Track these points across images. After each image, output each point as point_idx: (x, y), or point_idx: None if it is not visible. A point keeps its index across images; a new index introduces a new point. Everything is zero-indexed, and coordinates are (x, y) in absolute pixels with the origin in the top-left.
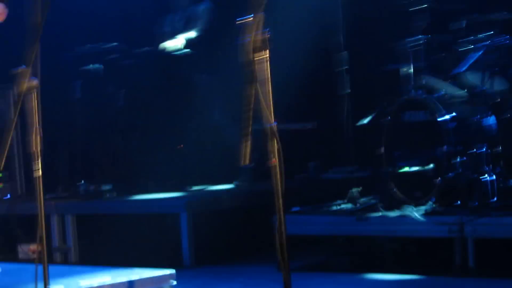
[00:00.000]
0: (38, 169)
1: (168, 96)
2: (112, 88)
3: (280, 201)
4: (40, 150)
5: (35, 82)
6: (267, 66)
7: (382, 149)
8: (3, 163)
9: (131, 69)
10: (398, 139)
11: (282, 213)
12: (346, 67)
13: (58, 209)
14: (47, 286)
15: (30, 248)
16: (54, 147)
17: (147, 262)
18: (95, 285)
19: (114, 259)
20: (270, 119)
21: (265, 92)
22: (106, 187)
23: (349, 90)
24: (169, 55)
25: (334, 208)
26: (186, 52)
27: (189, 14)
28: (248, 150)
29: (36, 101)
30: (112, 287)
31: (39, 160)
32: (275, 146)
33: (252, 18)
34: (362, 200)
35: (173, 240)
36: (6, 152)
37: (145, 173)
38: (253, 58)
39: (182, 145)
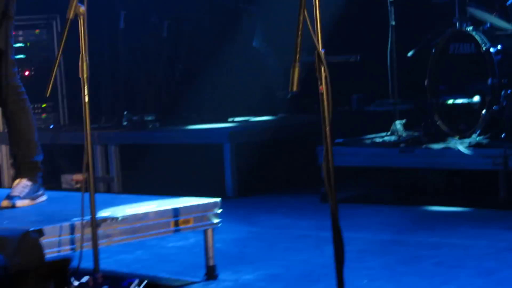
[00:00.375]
0: (86, 95)
1: (212, 27)
2: (156, 19)
3: (327, 128)
4: (87, 77)
5: (82, 8)
6: None
7: (427, 82)
8: (49, 90)
9: None
10: (443, 71)
11: (329, 140)
12: None
13: (102, 139)
14: (95, 213)
15: (74, 178)
16: (97, 77)
17: (190, 192)
18: (141, 212)
19: (156, 189)
20: (318, 46)
21: (314, 19)
22: (149, 117)
23: (394, 22)
24: None
25: (378, 140)
26: None
27: None
28: (297, 76)
29: (83, 27)
30: (158, 214)
31: (86, 86)
32: (322, 73)
33: None
34: (406, 132)
35: (216, 171)
36: (52, 80)
37: (188, 103)
38: None
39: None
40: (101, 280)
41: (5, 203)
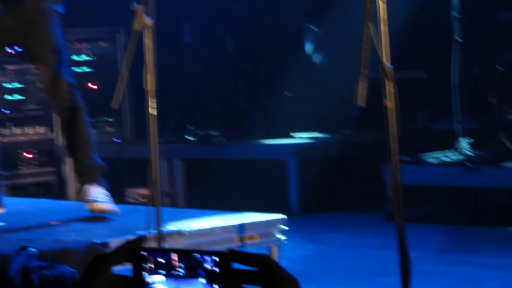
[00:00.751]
0: (153, 108)
1: (275, 43)
2: (220, 33)
3: (395, 144)
4: (153, 90)
5: (148, 20)
6: (384, 6)
7: (493, 99)
8: (117, 102)
9: (241, 14)
10: (509, 89)
11: (395, 157)
12: (458, 15)
13: (167, 153)
14: (160, 227)
15: (138, 192)
16: (162, 91)
17: (254, 207)
18: (207, 226)
19: (221, 204)
20: (386, 60)
21: (382, 33)
22: (214, 132)
23: (460, 39)
24: (279, 1)
25: (443, 158)
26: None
27: None
28: (364, 90)
29: (150, 39)
30: (223, 229)
31: (154, 99)
32: (389, 88)
33: None
34: (472, 151)
35: (281, 187)
36: (119, 92)
37: (253, 118)
38: None
39: (288, 93)
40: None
41: (101, 206)
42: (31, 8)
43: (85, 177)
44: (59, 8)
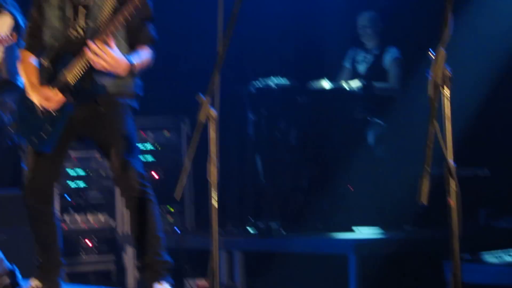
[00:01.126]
0: (215, 199)
1: (340, 137)
2: (285, 126)
3: (456, 242)
4: (216, 182)
5: (213, 112)
6: (448, 103)
7: None
8: (180, 193)
9: (305, 107)
10: None
11: (457, 256)
12: None
13: (227, 245)
14: None
15: (197, 283)
16: (225, 181)
17: None
18: None
19: None
20: (450, 158)
21: (445, 130)
22: (275, 224)
23: None
24: (344, 94)
25: (506, 257)
26: (360, 92)
27: (375, 59)
28: (427, 188)
29: (214, 131)
30: None
31: (215, 191)
32: (452, 186)
33: (434, 54)
34: None
35: (340, 282)
36: (182, 183)
37: (314, 212)
38: (434, 94)
39: (350, 186)
40: None
41: None
42: (103, 103)
43: (152, 273)
44: (134, 103)
